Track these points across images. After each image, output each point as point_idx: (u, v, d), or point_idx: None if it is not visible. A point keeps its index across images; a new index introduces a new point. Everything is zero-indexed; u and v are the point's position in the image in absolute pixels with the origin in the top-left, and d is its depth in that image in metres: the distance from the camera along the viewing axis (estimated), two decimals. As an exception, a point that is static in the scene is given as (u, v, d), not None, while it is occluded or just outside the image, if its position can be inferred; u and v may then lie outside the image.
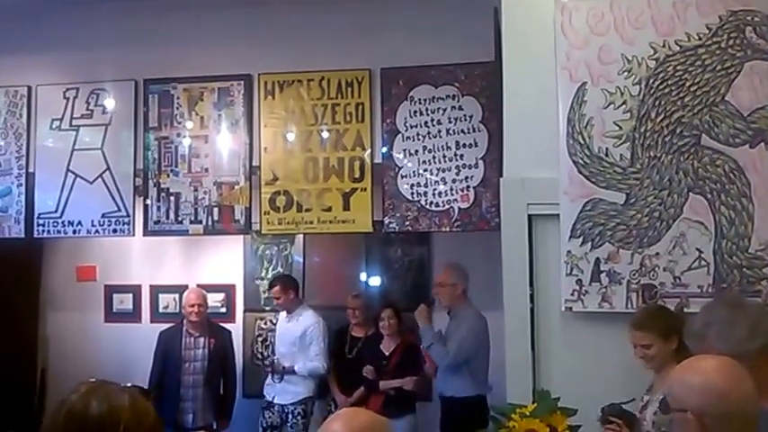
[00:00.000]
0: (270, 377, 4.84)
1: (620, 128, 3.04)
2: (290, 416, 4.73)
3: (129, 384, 1.46)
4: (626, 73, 3.03)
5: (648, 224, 3.00)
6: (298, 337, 4.75)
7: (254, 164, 4.18)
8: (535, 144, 3.17)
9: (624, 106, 3.04)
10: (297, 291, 4.91)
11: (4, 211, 4.48)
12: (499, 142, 3.41)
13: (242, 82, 4.21)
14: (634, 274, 3.01)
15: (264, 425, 4.83)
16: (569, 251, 3.07)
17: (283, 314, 4.95)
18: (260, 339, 5.51)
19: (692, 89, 2.98)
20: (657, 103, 3.01)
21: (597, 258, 3.05)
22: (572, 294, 3.06)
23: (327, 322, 4.88)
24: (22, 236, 4.46)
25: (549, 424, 2.74)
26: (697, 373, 1.64)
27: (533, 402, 2.85)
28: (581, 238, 3.06)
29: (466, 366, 4.18)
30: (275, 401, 4.80)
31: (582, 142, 3.07)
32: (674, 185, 2.98)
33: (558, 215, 3.10)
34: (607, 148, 3.05)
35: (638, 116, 3.02)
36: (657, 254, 2.97)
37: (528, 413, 2.76)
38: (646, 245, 3.00)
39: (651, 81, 3.01)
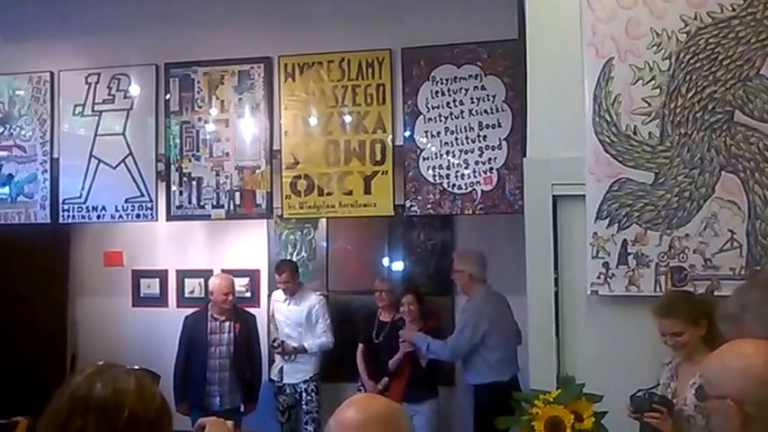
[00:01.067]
0: (277, 359, 4.90)
1: (649, 104, 2.93)
2: (304, 394, 4.84)
3: (136, 367, 1.43)
4: (655, 47, 2.91)
5: (678, 204, 2.89)
6: (304, 317, 4.88)
7: (274, 148, 4.15)
8: (560, 123, 3.08)
9: (653, 82, 2.92)
10: (299, 274, 5.04)
11: (29, 197, 4.53)
12: (523, 122, 3.32)
13: (262, 65, 4.17)
14: (663, 257, 2.91)
15: (281, 408, 4.91)
16: (595, 233, 2.98)
17: (280, 298, 5.01)
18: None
19: (724, 63, 2.85)
20: (688, 78, 2.89)
21: (624, 240, 2.95)
22: (598, 277, 2.97)
23: (350, 306, 4.89)
24: (48, 221, 4.51)
25: (574, 410, 2.68)
26: (736, 357, 1.57)
27: (557, 388, 2.79)
28: (607, 220, 2.97)
29: (483, 353, 4.15)
30: (285, 382, 4.88)
31: (609, 120, 2.96)
32: (706, 164, 2.86)
33: (583, 196, 3.00)
34: (635, 126, 2.94)
35: (668, 92, 2.90)
36: (687, 235, 2.87)
37: (552, 399, 2.70)
38: (675, 226, 2.89)
39: (682, 55, 2.89)
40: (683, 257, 2.88)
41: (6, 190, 4.57)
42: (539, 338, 3.11)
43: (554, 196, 3.06)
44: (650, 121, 2.93)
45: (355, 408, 1.38)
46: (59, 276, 5.77)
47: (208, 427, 1.65)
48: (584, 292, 3.01)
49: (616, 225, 2.97)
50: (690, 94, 2.88)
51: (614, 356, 2.91)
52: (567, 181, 3.04)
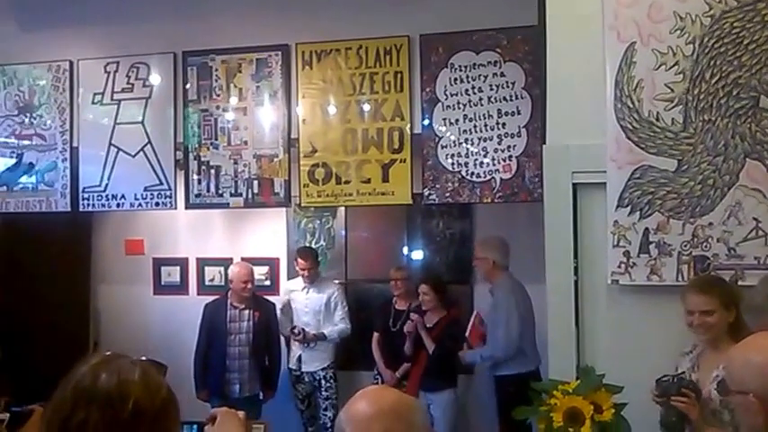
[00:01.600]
0: (294, 348, 4.92)
1: (672, 90, 2.87)
2: (323, 381, 4.86)
3: (143, 358, 1.42)
4: (678, 31, 2.85)
5: (701, 192, 2.84)
6: (323, 304, 4.89)
7: (292, 136, 4.13)
8: (580, 109, 3.03)
9: (676, 67, 2.87)
10: (319, 262, 5.08)
11: (50, 186, 4.56)
12: (543, 109, 3.27)
13: (279, 52, 4.15)
14: (685, 246, 2.86)
15: (300, 396, 4.94)
16: (616, 221, 2.93)
17: (297, 287, 5.02)
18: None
19: (750, 47, 2.79)
20: (712, 62, 2.82)
21: (646, 229, 2.91)
22: (619, 267, 2.94)
23: (369, 295, 4.90)
24: (68, 210, 4.53)
25: (594, 402, 2.66)
26: (759, 352, 1.52)
27: (577, 379, 2.76)
28: (629, 208, 2.92)
29: None
30: (304, 371, 4.90)
31: (630, 106, 2.91)
32: (730, 151, 2.80)
33: (604, 184, 2.96)
34: (658, 112, 2.89)
35: (692, 77, 2.85)
36: (711, 224, 2.82)
37: (570, 390, 2.67)
38: (698, 214, 2.84)
39: (706, 39, 2.83)
40: (706, 246, 2.83)
41: (28, 179, 4.62)
42: (558, 328, 3.08)
43: (574, 184, 3.03)
44: (673, 107, 2.87)
45: (367, 400, 1.35)
46: (82, 265, 5.82)
47: (219, 418, 1.65)
48: (604, 281, 2.97)
49: (638, 213, 2.92)
50: (714, 80, 2.82)
51: (635, 347, 2.88)
52: (587, 168, 3.00)
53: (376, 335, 4.83)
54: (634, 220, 2.92)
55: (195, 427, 1.68)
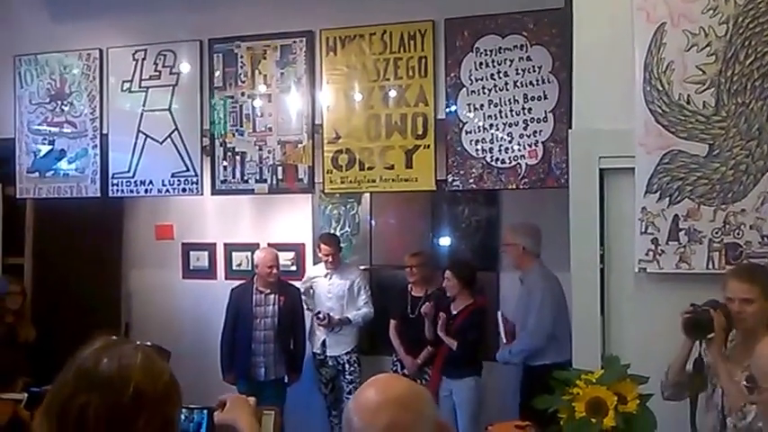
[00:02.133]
0: (318, 333, 4.94)
1: (704, 72, 2.78)
2: (347, 365, 4.91)
3: (148, 343, 1.42)
4: (711, 11, 2.75)
5: (734, 178, 2.75)
6: (346, 289, 4.96)
7: (316, 122, 4.12)
8: (607, 92, 2.95)
9: (708, 48, 2.77)
10: (341, 248, 5.13)
11: (81, 172, 4.64)
12: (570, 94, 3.19)
13: (304, 39, 4.13)
14: (716, 233, 2.78)
15: (324, 380, 4.99)
16: (644, 207, 2.86)
17: (319, 273, 5.06)
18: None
19: (787, 27, 2.67)
20: (747, 43, 2.72)
21: (675, 215, 2.83)
22: (647, 254, 2.87)
23: (393, 281, 4.91)
24: (98, 195, 4.60)
25: (618, 392, 2.58)
26: None
27: (601, 369, 2.70)
28: (658, 194, 2.85)
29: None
30: (328, 355, 4.94)
31: (660, 89, 2.83)
32: (764, 135, 2.71)
33: (632, 169, 2.89)
34: (688, 95, 2.80)
35: (725, 59, 2.75)
36: (743, 210, 2.73)
37: (594, 380, 2.61)
38: (730, 200, 2.75)
39: (740, 19, 2.73)
40: (738, 234, 2.75)
41: (59, 165, 4.70)
42: (583, 317, 3.03)
43: (601, 169, 2.96)
44: (705, 90, 2.78)
45: (375, 389, 1.33)
46: (113, 249, 5.92)
47: (228, 404, 1.65)
48: (631, 269, 2.91)
49: (667, 199, 2.84)
50: (748, 61, 2.72)
51: (662, 337, 2.79)
52: (614, 153, 2.93)
53: (393, 322, 4.82)
54: (663, 206, 2.85)
55: (205, 412, 1.67)
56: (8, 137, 4.79)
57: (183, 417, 1.66)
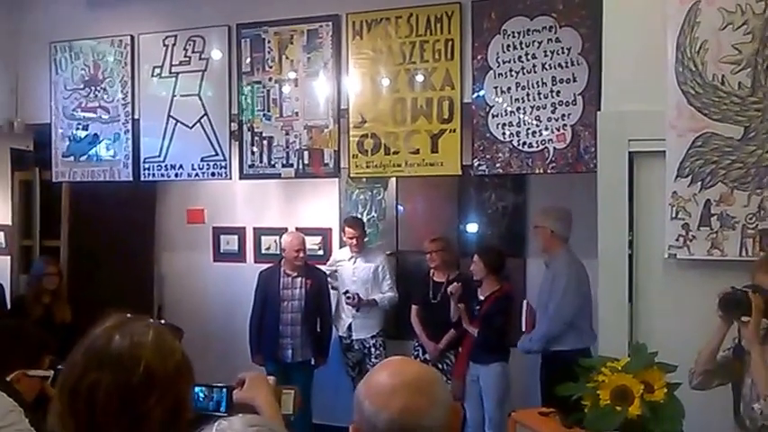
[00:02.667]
0: (344, 316, 4.96)
1: (740, 52, 2.68)
2: (372, 349, 4.91)
3: (162, 321, 1.42)
4: (748, -12, 2.64)
5: (770, 161, 2.65)
6: (371, 273, 4.97)
7: (342, 107, 4.11)
8: (638, 73, 2.88)
9: (745, 27, 2.67)
10: (366, 232, 5.13)
11: (113, 156, 4.72)
12: (600, 76, 3.12)
13: (330, 23, 4.11)
14: (750, 218, 2.70)
15: (351, 364, 5.00)
16: (675, 192, 2.79)
17: (344, 257, 5.06)
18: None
19: (829, 3, 2.56)
20: (785, 21, 2.61)
21: (707, 200, 2.75)
22: (677, 240, 2.80)
23: (419, 266, 4.95)
24: (131, 179, 4.68)
25: (644, 380, 2.53)
26: None
27: (628, 357, 2.65)
28: (689, 178, 2.77)
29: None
30: (354, 338, 4.96)
31: (693, 69, 2.74)
32: (803, 116, 2.60)
33: (663, 152, 2.81)
34: (723, 76, 2.71)
35: (762, 37, 2.65)
36: (779, 195, 2.63)
37: (620, 367, 2.56)
38: (765, 185, 2.67)
39: (778, -5, 2.61)
40: (773, 219, 2.65)
41: (93, 149, 4.79)
42: (610, 303, 2.97)
43: (630, 153, 2.89)
44: (740, 71, 2.69)
45: (387, 372, 1.30)
46: (147, 232, 6.01)
47: (248, 382, 1.65)
48: (660, 255, 2.84)
49: (699, 183, 2.77)
50: (787, 40, 2.61)
51: (692, 325, 2.73)
52: (644, 136, 2.86)
53: (415, 307, 4.81)
54: (695, 190, 2.77)
55: (225, 390, 1.68)
56: (45, 122, 4.89)
57: (203, 395, 1.68)
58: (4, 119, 4.97)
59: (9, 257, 5.68)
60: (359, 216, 5.34)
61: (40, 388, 2.21)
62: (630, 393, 2.51)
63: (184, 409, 1.32)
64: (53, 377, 2.06)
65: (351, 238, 4.93)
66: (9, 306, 5.04)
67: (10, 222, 5.68)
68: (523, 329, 4.17)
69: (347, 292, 4.90)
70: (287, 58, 4.24)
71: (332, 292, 5.11)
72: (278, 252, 5.27)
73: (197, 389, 1.65)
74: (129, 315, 1.35)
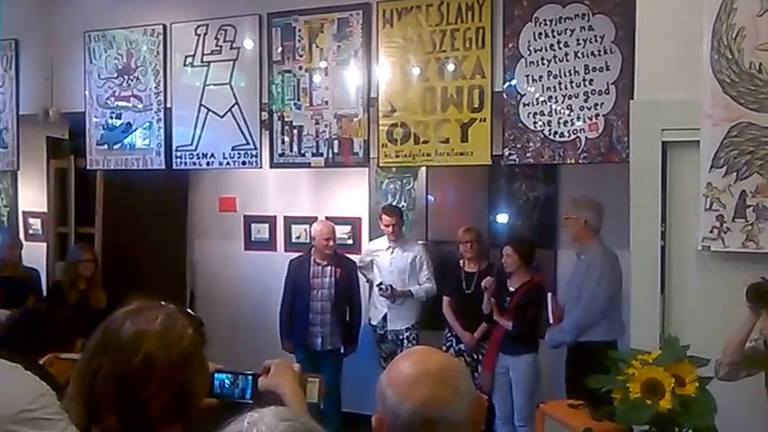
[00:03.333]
0: (380, 306, 4.94)
1: (778, 39, 2.60)
2: (406, 341, 4.86)
3: (185, 309, 1.40)
4: (788, -28, 2.57)
5: (809, 152, 2.57)
6: (408, 264, 4.91)
7: (371, 95, 4.10)
8: (672, 61, 2.82)
9: (784, 13, 2.59)
10: (403, 221, 5.07)
11: (146, 145, 4.79)
12: (633, 64, 3.06)
13: (360, 11, 4.10)
14: (787, 210, 2.62)
15: (384, 355, 4.98)
16: (710, 183, 2.73)
17: (381, 246, 5.04)
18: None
19: None
20: (828, 6, 2.53)
21: (743, 191, 2.69)
22: (711, 232, 2.74)
23: (450, 257, 4.92)
24: (163, 168, 4.73)
25: (675, 374, 2.50)
26: None
27: (659, 350, 2.61)
28: (724, 168, 2.71)
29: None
30: (388, 329, 4.94)
31: (729, 57, 2.67)
32: (844, 105, 2.52)
33: (697, 142, 2.75)
34: (760, 64, 2.64)
35: (802, 24, 2.56)
36: (818, 187, 2.56)
37: (651, 360, 2.53)
38: (804, 176, 2.59)
39: (821, -20, 2.53)
40: (811, 212, 2.58)
41: (126, 138, 4.86)
42: (642, 295, 2.93)
43: (663, 142, 2.84)
44: (779, 58, 2.61)
45: (410, 362, 1.30)
46: (180, 219, 6.08)
47: (273, 369, 1.63)
48: (694, 247, 2.79)
49: (734, 174, 2.71)
50: (829, 26, 2.53)
51: (725, 318, 2.69)
52: (678, 125, 2.81)
53: (446, 299, 4.78)
54: (730, 181, 2.71)
55: (250, 377, 1.69)
56: (79, 111, 4.98)
57: (228, 382, 1.68)
58: (40, 107, 5.07)
59: (45, 244, 5.82)
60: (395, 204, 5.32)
61: (71, 371, 2.25)
62: (661, 387, 2.48)
63: (192, 396, 1.30)
64: None
65: (387, 226, 4.91)
66: (45, 292, 5.17)
67: (46, 210, 5.82)
68: (551, 322, 4.11)
69: (380, 284, 4.86)
70: (317, 46, 4.24)
71: (365, 283, 5.09)
72: (308, 241, 5.30)
73: (222, 376, 1.65)
74: (148, 302, 1.34)
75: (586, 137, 3.54)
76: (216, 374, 1.62)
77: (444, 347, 4.64)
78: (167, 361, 1.25)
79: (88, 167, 5.05)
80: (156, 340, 1.26)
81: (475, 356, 4.61)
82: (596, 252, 3.98)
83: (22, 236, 5.85)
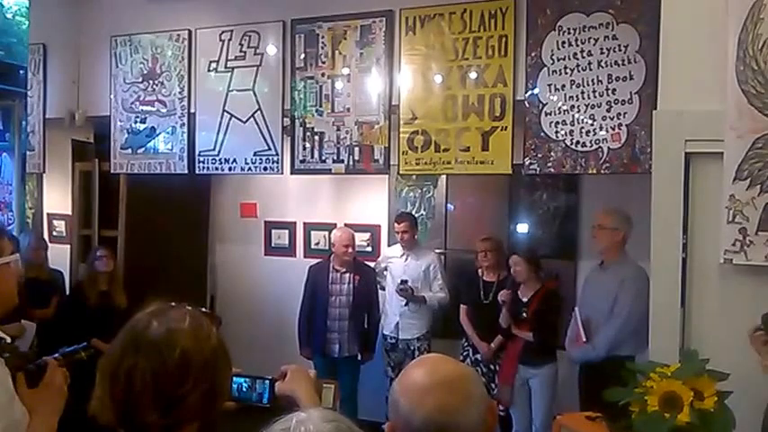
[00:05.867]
0: (392, 315, 4.91)
1: (806, 50, 2.56)
2: (417, 351, 4.80)
3: (204, 309, 1.44)
4: (817, -18, 2.53)
5: (835, 165, 2.53)
6: (421, 272, 4.89)
7: (393, 103, 4.11)
8: (696, 72, 2.78)
9: (812, 24, 2.55)
10: (417, 229, 5.04)
11: (170, 149, 4.85)
12: (657, 74, 3.03)
13: (383, 18, 4.13)
14: (813, 224, 2.57)
15: (392, 364, 4.93)
16: (733, 195, 2.69)
17: (396, 254, 5.03)
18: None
19: None
20: None
21: (767, 204, 2.64)
22: (733, 244, 2.69)
23: (468, 266, 4.88)
24: (186, 172, 4.79)
25: (694, 387, 2.46)
26: None
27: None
28: (748, 181, 2.66)
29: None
30: (400, 337, 4.91)
31: (755, 68, 2.64)
32: None
33: (721, 153, 2.71)
34: (787, 75, 2.59)
35: (830, 35, 2.52)
36: (844, 201, 2.51)
37: (669, 373, 2.49)
38: (830, 190, 2.54)
39: None
40: (837, 226, 2.53)
41: (150, 142, 4.91)
42: (662, 308, 2.89)
43: (686, 153, 2.79)
44: (806, 70, 2.57)
45: (423, 370, 1.30)
46: (202, 224, 6.14)
47: (289, 375, 1.66)
48: (716, 260, 2.74)
49: (758, 187, 2.66)
50: None
51: (746, 333, 2.62)
52: (702, 137, 2.76)
53: (464, 307, 4.74)
54: (753, 194, 2.66)
55: (267, 382, 1.70)
56: (105, 114, 5.06)
57: (246, 386, 1.71)
58: (66, 111, 5.16)
59: (69, 246, 5.90)
60: (408, 211, 5.32)
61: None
62: (680, 400, 2.45)
63: (220, 395, 1.34)
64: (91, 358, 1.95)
65: (399, 233, 4.92)
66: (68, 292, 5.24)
67: (70, 212, 5.91)
68: (583, 339, 3.90)
69: (406, 281, 4.78)
70: (340, 53, 4.27)
71: (380, 291, 5.08)
72: (327, 247, 5.32)
73: (240, 379, 1.68)
74: (169, 303, 1.38)
75: (609, 147, 3.52)
76: (234, 378, 1.64)
77: (461, 357, 4.61)
78: (201, 358, 1.29)
79: (112, 171, 5.12)
80: (189, 338, 1.29)
81: (492, 367, 4.57)
82: (629, 266, 3.84)
83: (46, 237, 5.94)
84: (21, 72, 5.28)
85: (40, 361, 1.79)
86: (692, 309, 2.83)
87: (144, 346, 1.27)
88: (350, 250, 4.86)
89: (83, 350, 1.90)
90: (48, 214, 6.34)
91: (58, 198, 6.15)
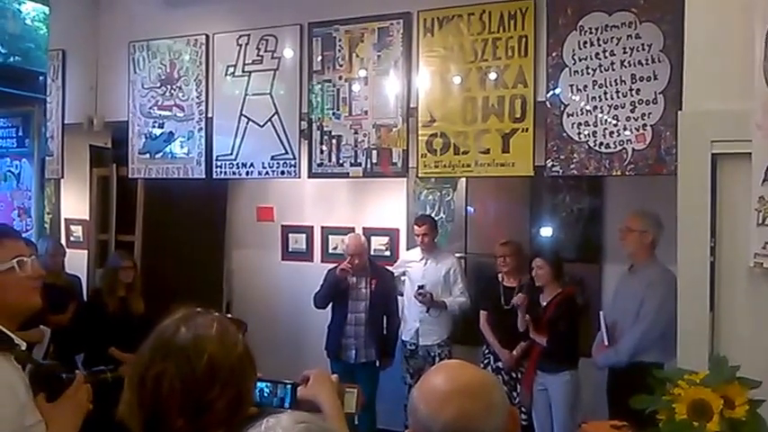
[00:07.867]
0: (412, 321, 4.85)
1: (837, 47, 2.48)
2: (437, 358, 4.72)
3: (230, 315, 1.43)
4: None
5: None
6: (441, 276, 4.83)
7: (411, 105, 4.07)
8: (723, 70, 2.71)
9: (843, 20, 2.47)
10: (437, 232, 4.99)
11: (187, 154, 4.84)
12: (682, 73, 2.97)
13: (401, 20, 4.09)
14: None
15: (411, 371, 4.86)
16: (762, 197, 2.60)
17: (415, 257, 4.97)
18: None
19: None
20: None
21: (797, 206, 2.56)
22: (764, 248, 2.61)
23: (489, 270, 4.80)
24: (203, 177, 4.78)
25: (725, 395, 2.39)
26: None
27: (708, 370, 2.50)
28: (777, 182, 2.58)
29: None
30: (420, 344, 4.85)
31: (784, 67, 2.55)
32: None
33: (749, 154, 2.63)
34: (817, 73, 2.51)
35: None
36: None
37: (698, 381, 2.42)
38: None
39: None
40: None
41: (168, 147, 4.91)
42: (690, 313, 2.81)
43: (713, 154, 2.72)
44: (837, 67, 2.49)
45: (443, 377, 1.28)
46: (218, 229, 6.14)
47: (311, 380, 1.66)
48: (745, 263, 2.66)
49: (788, 188, 2.58)
50: None
51: (779, 339, 2.56)
52: (729, 137, 2.69)
53: (484, 313, 4.67)
54: (784, 195, 2.58)
55: (289, 387, 1.68)
56: (122, 119, 5.07)
57: (268, 390, 1.69)
58: (84, 116, 5.19)
59: (86, 251, 5.93)
60: (428, 214, 5.26)
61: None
62: (709, 408, 2.38)
63: (247, 401, 1.34)
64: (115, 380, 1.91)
65: (418, 235, 4.86)
66: (86, 298, 5.25)
67: (88, 217, 5.94)
68: (606, 343, 3.84)
69: (423, 287, 4.74)
70: (357, 56, 4.24)
71: (399, 297, 5.03)
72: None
73: (262, 384, 1.67)
74: (197, 309, 1.39)
75: (633, 148, 3.45)
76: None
77: (481, 365, 4.53)
78: (228, 364, 1.29)
79: (130, 176, 5.13)
80: (216, 344, 1.30)
81: (514, 375, 4.49)
82: (657, 270, 3.77)
83: (63, 242, 5.97)
84: (40, 78, 5.32)
85: (71, 375, 1.80)
86: (720, 314, 2.75)
87: (172, 352, 1.28)
88: (357, 261, 4.79)
89: (109, 371, 1.92)
90: (65, 219, 6.38)
91: (75, 203, 6.19)
